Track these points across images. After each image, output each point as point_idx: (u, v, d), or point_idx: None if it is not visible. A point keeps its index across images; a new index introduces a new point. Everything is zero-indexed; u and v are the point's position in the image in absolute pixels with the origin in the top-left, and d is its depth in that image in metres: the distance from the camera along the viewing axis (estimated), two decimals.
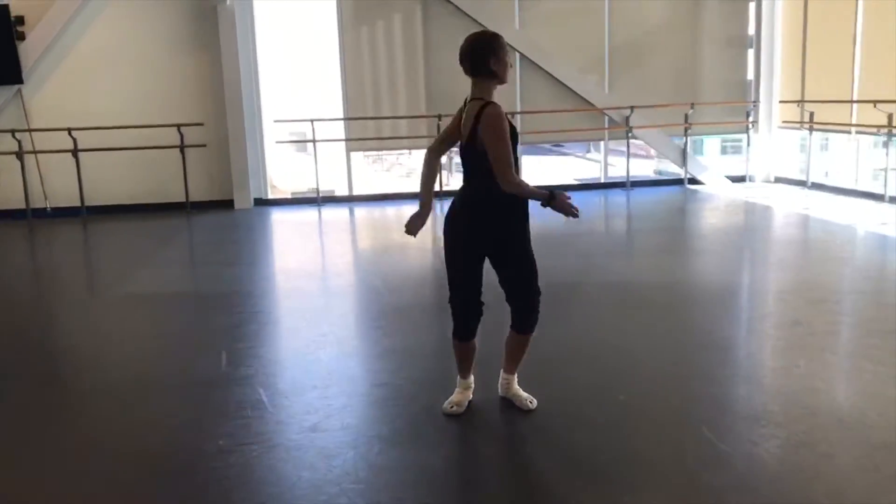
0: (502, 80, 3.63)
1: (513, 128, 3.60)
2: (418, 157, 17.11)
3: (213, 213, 11.24)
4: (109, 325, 6.01)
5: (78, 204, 10.98)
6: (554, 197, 3.52)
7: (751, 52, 12.41)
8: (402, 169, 36.37)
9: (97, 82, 11.22)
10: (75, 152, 10.82)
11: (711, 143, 17.24)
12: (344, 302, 6.63)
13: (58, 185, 11.29)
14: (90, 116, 10.93)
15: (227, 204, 11.61)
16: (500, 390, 4.07)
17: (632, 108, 11.90)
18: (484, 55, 3.56)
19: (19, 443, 3.86)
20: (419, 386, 4.42)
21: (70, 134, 10.73)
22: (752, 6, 12.31)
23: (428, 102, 11.91)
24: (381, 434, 3.79)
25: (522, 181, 3.59)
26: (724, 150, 17.56)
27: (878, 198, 10.03)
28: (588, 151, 24.89)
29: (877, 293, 6.17)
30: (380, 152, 35.97)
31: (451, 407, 3.94)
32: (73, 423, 4.11)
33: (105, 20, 11.18)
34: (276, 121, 11.71)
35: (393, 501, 3.22)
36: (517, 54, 11.87)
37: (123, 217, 11.04)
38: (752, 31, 12.34)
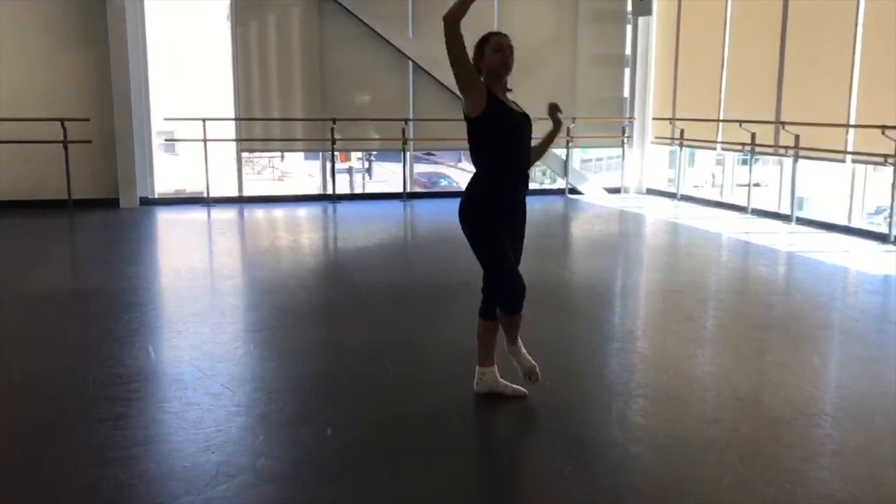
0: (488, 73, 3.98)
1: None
2: (291, 161, 16.21)
3: (97, 211, 10.90)
4: (15, 323, 5.83)
5: None
6: None
7: (627, 71, 13.26)
8: (275, 172, 35.87)
9: None
10: None
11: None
12: (259, 299, 6.68)
13: None
14: None
15: (112, 202, 11.29)
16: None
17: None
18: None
19: None
20: (360, 376, 4.61)
21: None
22: (628, 28, 13.16)
23: (322, 105, 12.01)
24: (335, 419, 3.96)
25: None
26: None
27: (742, 209, 10.97)
28: (460, 161, 25.71)
29: (752, 293, 6.86)
30: (251, 154, 35.43)
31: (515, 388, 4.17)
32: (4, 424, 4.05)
33: None
34: (166, 118, 11.50)
35: (367, 481, 3.41)
36: (409, 63, 12.22)
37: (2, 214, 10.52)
38: (628, 51, 13.20)
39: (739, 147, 10.89)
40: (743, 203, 11.07)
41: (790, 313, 6.25)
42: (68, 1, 10.94)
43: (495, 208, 3.93)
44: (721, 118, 11.33)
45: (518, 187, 4.01)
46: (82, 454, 3.57)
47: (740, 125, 10.57)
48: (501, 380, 4.19)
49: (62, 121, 10.63)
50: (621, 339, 5.48)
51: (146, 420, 3.92)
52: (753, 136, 10.51)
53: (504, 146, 3.91)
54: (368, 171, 29.50)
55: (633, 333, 5.71)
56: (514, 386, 4.20)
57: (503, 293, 3.99)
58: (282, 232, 10.26)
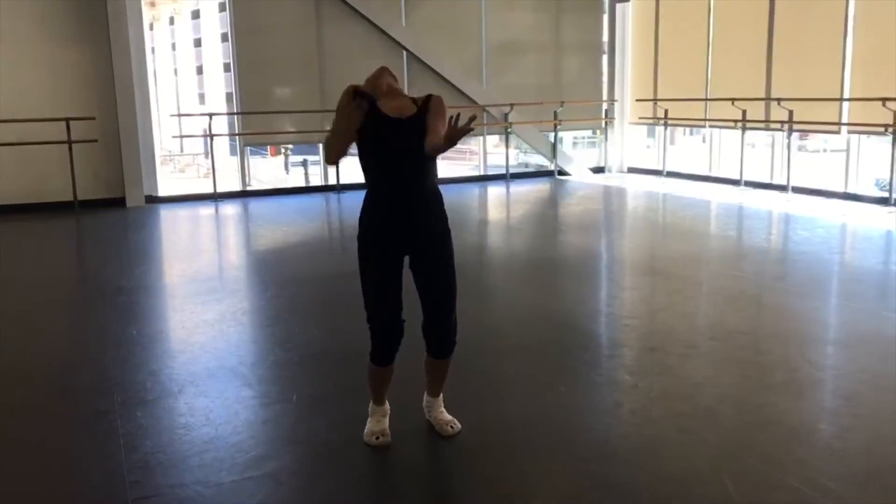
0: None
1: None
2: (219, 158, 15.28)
3: (105, 211, 10.71)
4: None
5: None
6: None
7: (606, 57, 13.86)
8: (200, 170, 35.32)
9: None
10: None
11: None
12: (309, 289, 6.81)
13: None
14: None
15: (118, 202, 11.10)
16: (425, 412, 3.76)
17: (511, 105, 12.83)
18: None
19: None
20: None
21: None
22: (605, 17, 13.74)
23: (321, 97, 12.06)
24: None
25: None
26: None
27: (734, 182, 11.68)
28: None
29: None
30: (171, 154, 34.73)
31: (377, 438, 3.55)
32: None
33: None
34: (172, 115, 11.37)
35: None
36: (404, 52, 12.41)
37: (4, 218, 10.16)
38: (607, 37, 13.78)
39: (731, 124, 11.54)
40: (730, 176, 11.80)
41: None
42: None
43: (368, 223, 3.43)
44: (708, 97, 11.98)
45: (396, 191, 3.38)
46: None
47: (732, 103, 11.21)
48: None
49: (67, 120, 10.40)
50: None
51: None
52: (744, 112, 11.19)
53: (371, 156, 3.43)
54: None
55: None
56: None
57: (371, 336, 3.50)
58: (297, 223, 10.31)
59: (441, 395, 3.70)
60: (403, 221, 3.37)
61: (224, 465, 3.41)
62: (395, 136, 3.36)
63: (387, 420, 3.64)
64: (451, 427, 3.63)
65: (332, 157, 3.46)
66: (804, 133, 14.45)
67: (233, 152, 17.57)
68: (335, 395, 4.18)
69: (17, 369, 4.72)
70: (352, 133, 3.39)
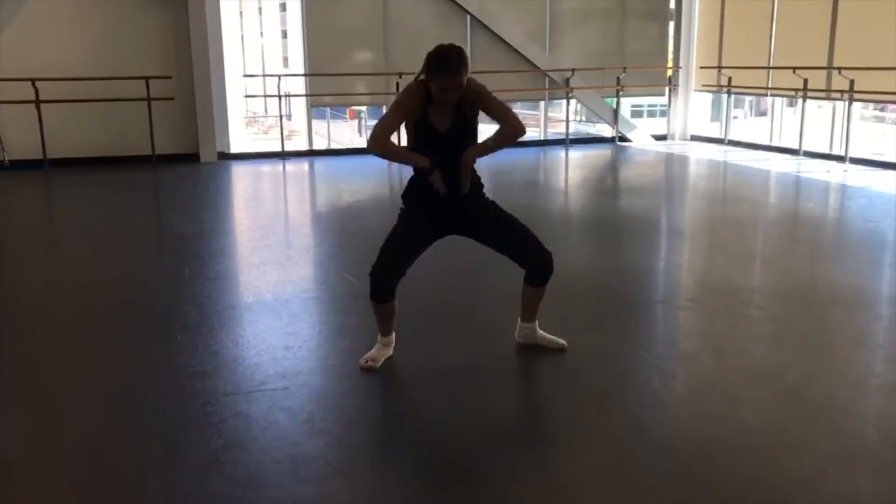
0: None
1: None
2: (297, 120, 15.49)
3: (179, 165, 11.39)
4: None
5: (39, 157, 10.90)
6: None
7: (672, 24, 13.81)
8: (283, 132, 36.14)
9: (57, 33, 11.09)
10: (38, 103, 10.73)
11: None
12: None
13: (16, 137, 11.11)
14: (50, 68, 10.83)
15: (192, 157, 11.79)
16: (519, 338, 4.16)
17: (573, 70, 12.96)
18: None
19: None
20: None
21: (34, 84, 10.64)
22: None
23: (388, 61, 12.47)
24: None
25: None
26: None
27: (792, 152, 11.60)
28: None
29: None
30: (255, 114, 35.59)
31: (367, 362, 3.96)
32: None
33: None
34: (245, 75, 11.98)
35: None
36: (467, 17, 12.67)
37: (89, 170, 10.98)
38: (673, 3, 13.73)
39: (792, 92, 11.45)
40: (792, 146, 11.71)
41: None
42: None
43: (416, 201, 3.84)
44: (771, 65, 11.88)
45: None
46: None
47: (794, 71, 11.11)
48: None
49: (147, 79, 11.09)
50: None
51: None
52: (805, 81, 11.08)
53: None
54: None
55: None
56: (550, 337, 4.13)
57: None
58: (361, 180, 10.79)
59: (536, 319, 4.07)
60: (447, 204, 3.73)
61: (243, 378, 3.89)
62: (443, 144, 3.68)
63: (389, 350, 4.04)
64: (558, 344, 4.06)
65: (378, 150, 3.72)
66: (881, 105, 14.17)
67: (316, 115, 18.29)
68: (355, 328, 4.57)
69: (76, 294, 5.34)
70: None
